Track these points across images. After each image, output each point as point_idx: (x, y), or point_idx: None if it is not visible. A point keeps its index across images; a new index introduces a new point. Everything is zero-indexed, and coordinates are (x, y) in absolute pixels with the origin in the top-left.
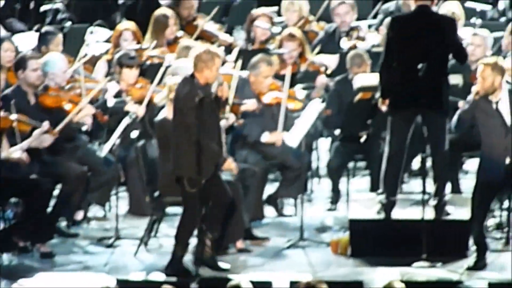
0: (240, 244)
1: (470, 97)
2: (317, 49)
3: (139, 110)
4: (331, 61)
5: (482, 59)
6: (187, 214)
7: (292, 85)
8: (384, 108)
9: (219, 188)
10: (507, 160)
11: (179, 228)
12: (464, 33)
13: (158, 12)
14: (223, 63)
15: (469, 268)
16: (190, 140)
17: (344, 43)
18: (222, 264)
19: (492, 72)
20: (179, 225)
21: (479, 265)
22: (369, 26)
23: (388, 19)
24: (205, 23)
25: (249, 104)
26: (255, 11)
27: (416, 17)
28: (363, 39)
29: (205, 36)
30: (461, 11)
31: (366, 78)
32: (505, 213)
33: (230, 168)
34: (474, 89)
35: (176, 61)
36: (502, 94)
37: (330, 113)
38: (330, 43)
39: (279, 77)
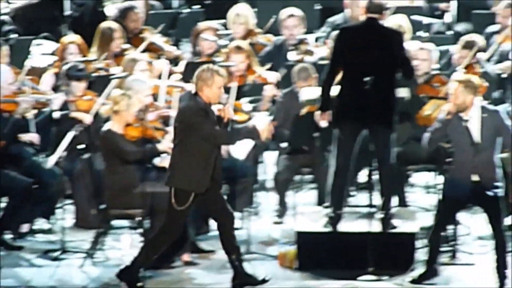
0: (186, 257)
1: (441, 115)
2: (268, 65)
3: (86, 118)
4: (271, 77)
5: (456, 76)
6: (166, 229)
7: (239, 97)
8: (322, 122)
9: (221, 209)
10: (474, 177)
11: (152, 240)
12: (411, 46)
13: (103, 25)
14: (170, 74)
15: (414, 281)
16: (191, 153)
17: (292, 56)
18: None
19: (465, 90)
20: (154, 236)
21: (428, 275)
22: (316, 39)
23: (336, 32)
24: (152, 36)
25: None
26: (201, 24)
27: (364, 29)
28: (310, 52)
29: (152, 49)
30: (408, 24)
31: (312, 92)
32: (451, 226)
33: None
34: (445, 107)
35: (133, 75)
36: (473, 112)
37: (276, 126)
38: (277, 56)
39: (226, 89)
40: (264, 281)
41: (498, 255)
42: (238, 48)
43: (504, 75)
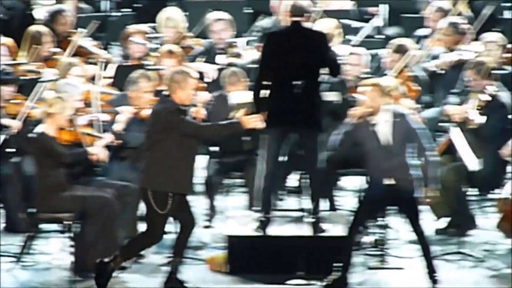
0: None
1: (349, 119)
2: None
3: (14, 124)
4: (210, 69)
5: (365, 80)
6: (150, 234)
7: None
8: (260, 123)
9: (187, 213)
10: (388, 181)
11: (132, 242)
12: (341, 50)
13: (32, 28)
14: (100, 79)
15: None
16: (169, 154)
17: (221, 60)
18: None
19: (375, 94)
20: (134, 239)
21: (339, 284)
22: (248, 43)
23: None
24: (80, 39)
25: (125, 111)
26: (131, 27)
27: (289, 33)
28: (239, 55)
29: (80, 52)
30: (336, 28)
31: (242, 95)
32: (381, 230)
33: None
34: (353, 111)
35: (64, 79)
36: (382, 117)
37: None
38: (207, 59)
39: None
40: None
41: (425, 258)
42: (170, 52)
43: (442, 71)
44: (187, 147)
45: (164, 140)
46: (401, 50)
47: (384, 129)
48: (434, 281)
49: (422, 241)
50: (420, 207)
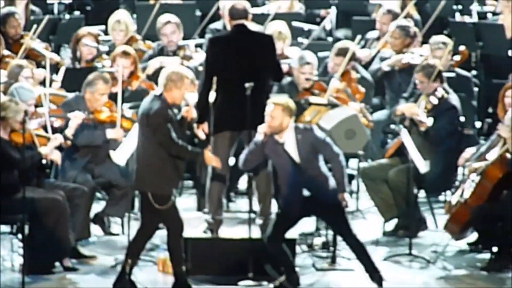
0: (66, 262)
1: (257, 138)
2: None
3: None
4: (169, 61)
5: (272, 99)
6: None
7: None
8: (201, 134)
9: (175, 216)
10: (305, 193)
11: (132, 242)
12: (291, 53)
13: None
14: (51, 82)
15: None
16: (158, 155)
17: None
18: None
19: (282, 113)
20: (133, 238)
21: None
22: (198, 45)
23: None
24: (32, 42)
25: (75, 116)
26: (81, 30)
27: (234, 36)
28: (189, 57)
29: (32, 55)
30: (288, 31)
31: (194, 97)
32: (331, 232)
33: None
34: (260, 129)
35: (18, 83)
36: (288, 135)
37: None
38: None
39: (112, 95)
40: None
41: (361, 260)
42: (125, 54)
43: (396, 68)
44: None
45: (156, 141)
46: (343, 53)
47: (292, 146)
48: (378, 281)
49: (354, 243)
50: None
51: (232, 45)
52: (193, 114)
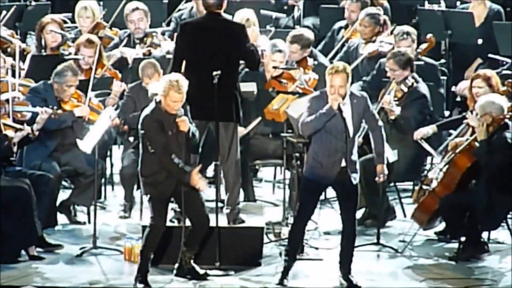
0: (32, 251)
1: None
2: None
3: None
4: (131, 53)
5: (328, 68)
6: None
7: (86, 91)
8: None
9: (197, 210)
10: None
11: (144, 239)
12: (260, 41)
13: None
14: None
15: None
16: (154, 159)
17: (138, 50)
18: (200, 271)
19: (346, 79)
20: (146, 234)
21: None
22: (163, 33)
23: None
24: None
25: (43, 112)
26: (45, 17)
27: (206, 23)
28: (156, 45)
29: None
30: (255, 18)
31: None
32: None
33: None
34: (335, 105)
35: None
36: (347, 100)
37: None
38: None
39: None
40: None
41: (343, 250)
42: (89, 42)
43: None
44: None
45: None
46: (296, 40)
47: (348, 113)
48: (347, 271)
49: (351, 230)
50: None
51: (203, 31)
52: (185, 126)
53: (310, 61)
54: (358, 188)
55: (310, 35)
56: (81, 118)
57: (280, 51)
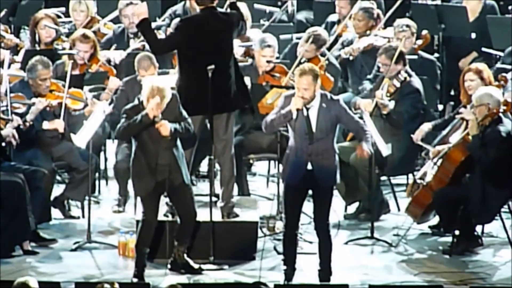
0: (26, 245)
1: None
2: (113, 47)
3: None
4: (116, 55)
5: (297, 69)
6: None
7: (80, 86)
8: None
9: (184, 205)
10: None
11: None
12: (252, 34)
13: None
14: (9, 64)
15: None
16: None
17: (133, 44)
18: (194, 265)
19: (313, 81)
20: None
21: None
22: (158, 28)
23: (175, 21)
24: None
25: (39, 102)
26: (39, 12)
27: (204, 18)
28: None
29: None
30: (248, 12)
31: (156, 80)
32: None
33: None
34: (294, 105)
35: None
36: (315, 101)
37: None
38: (119, 44)
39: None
40: None
41: (321, 251)
42: (85, 37)
43: (350, 58)
44: (142, 144)
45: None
46: (315, 40)
47: (314, 114)
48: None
49: (325, 233)
50: None
51: (202, 27)
52: (166, 131)
53: (322, 60)
54: (330, 191)
55: (326, 35)
56: (54, 131)
57: (269, 46)
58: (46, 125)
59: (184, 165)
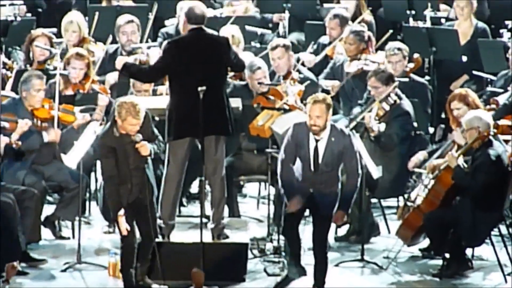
0: (16, 265)
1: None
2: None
3: None
4: (111, 76)
5: (311, 97)
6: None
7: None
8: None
9: (148, 225)
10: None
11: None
12: (244, 57)
13: None
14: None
15: None
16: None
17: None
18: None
19: (326, 110)
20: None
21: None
22: (149, 48)
23: (164, 43)
24: None
25: (23, 124)
26: (35, 31)
27: (192, 40)
28: (145, 61)
29: None
30: (240, 35)
31: (145, 101)
32: (282, 238)
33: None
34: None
35: None
36: (325, 133)
37: None
38: (111, 64)
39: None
40: None
41: (316, 273)
42: (79, 55)
43: (331, 93)
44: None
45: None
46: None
47: (322, 145)
48: None
49: (322, 255)
50: None
51: (190, 49)
52: (146, 151)
53: (296, 75)
54: (330, 216)
55: (287, 41)
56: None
57: (259, 68)
58: (45, 137)
59: (154, 185)
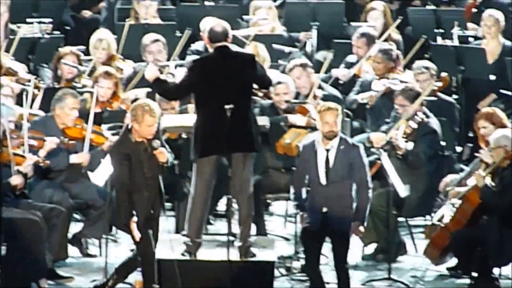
0: (43, 283)
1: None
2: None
3: None
4: (141, 93)
5: (324, 104)
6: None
7: (99, 124)
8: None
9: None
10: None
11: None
12: (270, 75)
13: None
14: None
15: None
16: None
17: None
18: None
19: (339, 118)
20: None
21: None
22: (176, 67)
23: (189, 62)
24: (8, 61)
25: (50, 141)
26: (63, 49)
27: (217, 58)
28: (172, 75)
29: (7, 73)
30: (266, 53)
31: (173, 119)
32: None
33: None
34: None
35: None
36: (335, 142)
37: None
38: (141, 82)
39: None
40: None
41: None
42: (108, 74)
43: (367, 105)
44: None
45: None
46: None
47: (332, 156)
48: None
49: (344, 274)
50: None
51: (214, 67)
52: (164, 158)
53: (319, 92)
54: (346, 234)
55: (304, 59)
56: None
57: (279, 82)
58: (73, 159)
59: (164, 196)
